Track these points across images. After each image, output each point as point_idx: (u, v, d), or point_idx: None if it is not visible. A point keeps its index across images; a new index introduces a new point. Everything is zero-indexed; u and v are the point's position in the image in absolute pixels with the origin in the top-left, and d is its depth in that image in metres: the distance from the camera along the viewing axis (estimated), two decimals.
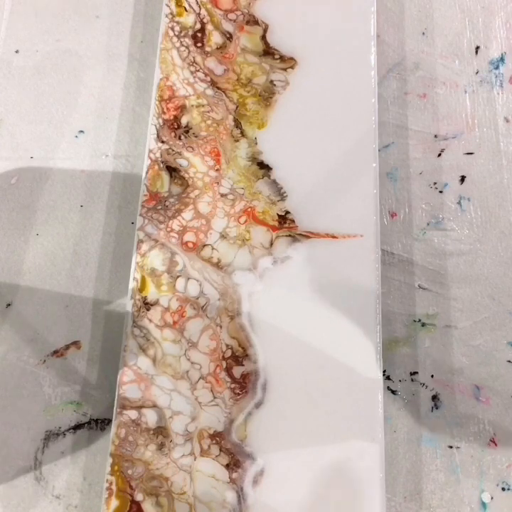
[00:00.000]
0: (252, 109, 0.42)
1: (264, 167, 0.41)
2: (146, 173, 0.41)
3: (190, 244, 0.40)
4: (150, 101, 0.45)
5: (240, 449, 0.36)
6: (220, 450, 0.36)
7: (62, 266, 0.44)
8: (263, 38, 0.44)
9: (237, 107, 0.43)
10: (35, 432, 0.40)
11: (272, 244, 0.40)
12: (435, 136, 0.47)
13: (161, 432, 0.36)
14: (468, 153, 0.46)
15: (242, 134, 0.42)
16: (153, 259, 0.39)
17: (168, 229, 0.40)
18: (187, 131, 0.42)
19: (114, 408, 0.37)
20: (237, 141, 0.42)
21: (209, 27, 0.44)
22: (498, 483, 0.40)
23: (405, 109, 0.47)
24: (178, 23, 0.44)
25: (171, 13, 0.44)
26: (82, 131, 0.47)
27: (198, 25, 0.44)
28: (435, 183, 0.46)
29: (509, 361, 0.42)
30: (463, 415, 0.41)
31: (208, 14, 0.44)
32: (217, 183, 0.41)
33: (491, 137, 0.46)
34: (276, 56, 0.44)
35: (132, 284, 0.39)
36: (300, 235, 0.40)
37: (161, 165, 0.41)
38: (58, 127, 0.47)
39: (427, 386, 0.42)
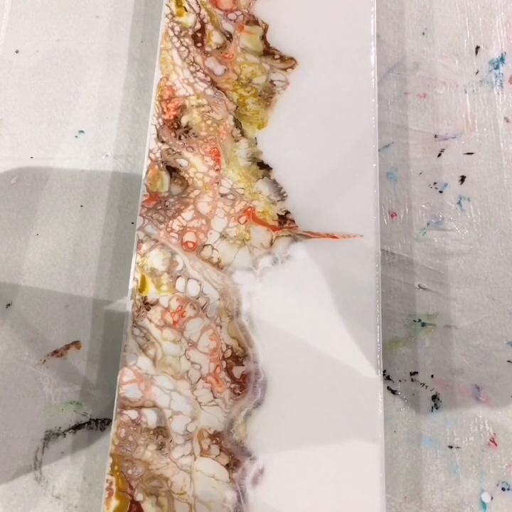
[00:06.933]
0: (252, 109, 0.42)
1: (264, 167, 0.41)
2: (146, 173, 0.41)
3: (190, 244, 0.40)
4: (150, 101, 0.45)
5: (240, 448, 0.36)
6: (220, 450, 0.36)
7: (62, 266, 0.44)
8: (263, 38, 0.44)
9: (237, 107, 0.43)
10: (35, 432, 0.40)
11: (272, 244, 0.40)
12: (435, 136, 0.47)
13: (161, 431, 0.36)
14: (468, 153, 0.46)
15: (242, 134, 0.42)
16: (153, 259, 0.39)
17: (168, 229, 0.40)
18: (187, 131, 0.42)
19: (114, 408, 0.37)
20: (237, 141, 0.42)
21: (209, 27, 0.44)
22: (498, 483, 0.40)
23: (405, 109, 0.47)
24: (178, 23, 0.44)
25: (171, 13, 0.44)
26: (82, 131, 0.47)
27: (198, 25, 0.44)
28: (435, 183, 0.46)
29: (509, 361, 0.42)
30: (463, 415, 0.41)
31: (208, 14, 0.44)
32: (217, 183, 0.41)
33: (491, 137, 0.47)
34: (276, 56, 0.44)
35: (132, 284, 0.39)
36: (300, 235, 0.40)
37: (161, 165, 0.41)
38: (58, 127, 0.47)
39: (427, 386, 0.42)
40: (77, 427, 0.41)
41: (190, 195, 0.41)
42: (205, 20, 0.44)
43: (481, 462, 0.40)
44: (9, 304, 0.43)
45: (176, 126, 0.42)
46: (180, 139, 0.42)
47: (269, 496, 0.35)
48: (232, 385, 0.37)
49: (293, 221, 0.40)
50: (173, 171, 0.41)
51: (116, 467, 0.36)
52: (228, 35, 0.44)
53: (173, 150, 0.41)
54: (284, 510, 0.35)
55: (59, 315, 0.43)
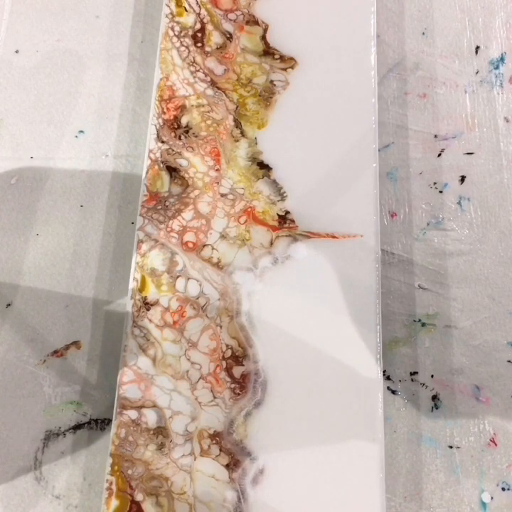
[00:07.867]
0: (252, 109, 0.42)
1: (264, 167, 0.41)
2: (146, 173, 0.41)
3: (190, 244, 0.40)
4: (150, 101, 0.45)
5: (240, 448, 0.36)
6: (220, 450, 0.36)
7: (62, 266, 0.44)
8: (263, 38, 0.44)
9: (237, 107, 0.43)
10: (35, 432, 0.40)
11: (272, 244, 0.40)
12: (435, 136, 0.47)
13: (161, 431, 0.36)
14: (468, 153, 0.46)
15: (242, 134, 0.42)
16: (153, 259, 0.39)
17: (168, 229, 0.40)
18: (187, 131, 0.42)
19: (114, 408, 0.37)
20: (237, 141, 0.42)
21: (209, 27, 0.44)
22: (498, 483, 0.40)
23: (405, 109, 0.47)
24: (178, 23, 0.44)
25: (171, 13, 0.44)
26: (82, 131, 0.47)
27: (198, 25, 0.44)
28: (435, 183, 0.46)
29: (509, 361, 0.42)
30: (463, 415, 0.41)
31: (208, 14, 0.44)
32: (217, 183, 0.41)
33: (491, 137, 0.46)
34: (276, 56, 0.44)
35: (132, 284, 0.39)
36: (300, 235, 0.40)
37: (161, 165, 0.41)
38: (58, 127, 0.47)
39: (427, 386, 0.42)
40: (77, 427, 0.41)
41: (190, 195, 0.41)
42: (205, 20, 0.44)
43: (481, 462, 0.40)
44: (9, 304, 0.43)
45: (176, 126, 0.42)
46: (180, 139, 0.42)
47: (269, 495, 0.35)
48: (232, 385, 0.37)
49: (293, 221, 0.40)
50: (173, 171, 0.41)
51: (116, 467, 0.36)
52: (228, 35, 0.44)
53: (173, 150, 0.41)
54: (284, 510, 0.35)
55: (59, 315, 0.43)
